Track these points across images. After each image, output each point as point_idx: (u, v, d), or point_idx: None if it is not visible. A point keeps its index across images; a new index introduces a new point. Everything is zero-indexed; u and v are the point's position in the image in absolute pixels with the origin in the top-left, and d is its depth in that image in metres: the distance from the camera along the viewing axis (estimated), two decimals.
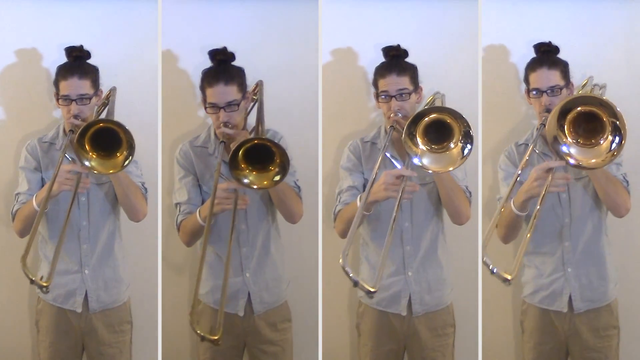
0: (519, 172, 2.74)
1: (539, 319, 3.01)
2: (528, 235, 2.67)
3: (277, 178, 2.72)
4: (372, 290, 2.55)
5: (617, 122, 2.56)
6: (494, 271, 2.54)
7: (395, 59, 2.96)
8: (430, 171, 2.73)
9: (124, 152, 2.72)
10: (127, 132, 2.71)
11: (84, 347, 3.02)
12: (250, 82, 3.02)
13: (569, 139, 2.63)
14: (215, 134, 2.99)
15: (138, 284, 3.14)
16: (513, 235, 2.94)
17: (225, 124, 2.86)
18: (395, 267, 2.98)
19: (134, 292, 3.11)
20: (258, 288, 3.00)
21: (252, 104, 3.05)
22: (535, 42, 2.99)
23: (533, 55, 2.99)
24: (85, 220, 2.97)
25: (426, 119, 2.69)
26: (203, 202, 2.97)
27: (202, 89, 2.93)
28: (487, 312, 3.16)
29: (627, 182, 2.91)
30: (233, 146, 2.71)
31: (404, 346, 3.02)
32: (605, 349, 2.96)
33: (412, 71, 2.95)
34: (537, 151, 2.83)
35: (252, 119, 3.01)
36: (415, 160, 2.70)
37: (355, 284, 2.52)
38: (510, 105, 3.23)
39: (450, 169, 2.71)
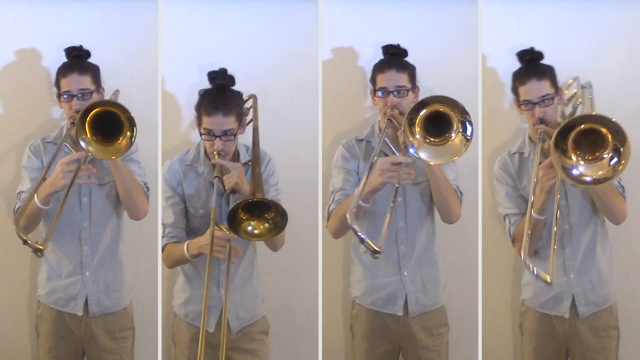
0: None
1: (539, 321, 2.99)
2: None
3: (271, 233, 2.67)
4: (377, 249, 2.57)
5: (618, 134, 2.53)
6: (535, 272, 2.56)
7: (395, 57, 2.97)
8: (431, 163, 2.71)
9: (127, 135, 2.67)
10: (129, 117, 2.66)
11: (85, 353, 2.97)
12: (247, 87, 3.00)
13: (575, 159, 2.60)
14: (205, 153, 2.91)
15: (141, 287, 3.10)
16: (535, 244, 2.92)
17: (219, 153, 2.80)
18: (390, 268, 2.97)
19: (136, 294, 3.06)
20: (234, 305, 2.89)
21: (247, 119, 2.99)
22: (519, 50, 2.96)
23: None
24: (86, 221, 2.93)
25: (425, 110, 2.68)
26: (187, 223, 2.92)
27: (199, 114, 2.84)
28: (487, 312, 3.16)
29: (623, 188, 2.89)
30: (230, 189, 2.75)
31: (399, 347, 3.00)
32: (606, 349, 2.94)
33: (410, 69, 2.95)
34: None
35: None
36: (411, 151, 2.68)
37: (362, 240, 2.56)
38: (510, 108, 3.22)
39: (455, 158, 2.69)
